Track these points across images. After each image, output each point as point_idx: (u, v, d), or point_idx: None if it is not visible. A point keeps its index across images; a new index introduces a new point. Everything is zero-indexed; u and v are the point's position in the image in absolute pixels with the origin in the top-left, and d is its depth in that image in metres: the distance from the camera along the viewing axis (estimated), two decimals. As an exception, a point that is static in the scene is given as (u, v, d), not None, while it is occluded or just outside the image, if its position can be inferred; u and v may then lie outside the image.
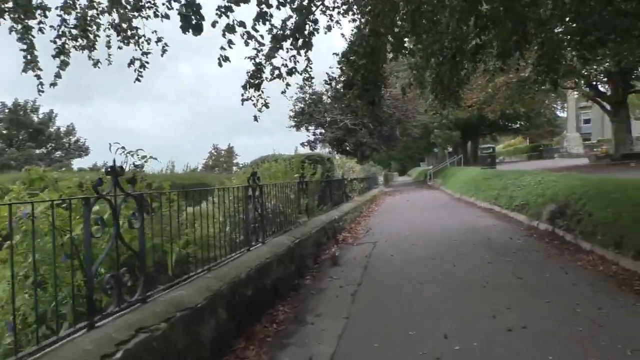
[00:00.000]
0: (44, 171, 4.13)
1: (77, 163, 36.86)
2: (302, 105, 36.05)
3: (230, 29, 6.39)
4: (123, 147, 4.66)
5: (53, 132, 37.89)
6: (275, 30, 7.38)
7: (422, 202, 21.47)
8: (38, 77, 7.56)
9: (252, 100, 8.19)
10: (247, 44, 6.98)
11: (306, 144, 38.40)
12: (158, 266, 4.17)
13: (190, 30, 5.67)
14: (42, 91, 7.61)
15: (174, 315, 3.47)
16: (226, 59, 6.70)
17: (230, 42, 6.52)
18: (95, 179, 3.33)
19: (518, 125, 47.90)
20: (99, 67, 8.15)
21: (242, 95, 7.95)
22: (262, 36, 7.08)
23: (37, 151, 35.24)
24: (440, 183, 33.40)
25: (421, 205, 19.63)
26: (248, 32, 6.80)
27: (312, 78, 8.81)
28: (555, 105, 42.29)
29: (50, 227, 3.12)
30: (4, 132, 36.16)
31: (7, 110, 36.85)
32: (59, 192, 3.88)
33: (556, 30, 8.84)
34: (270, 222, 7.39)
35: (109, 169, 3.38)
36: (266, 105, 8.23)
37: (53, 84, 7.66)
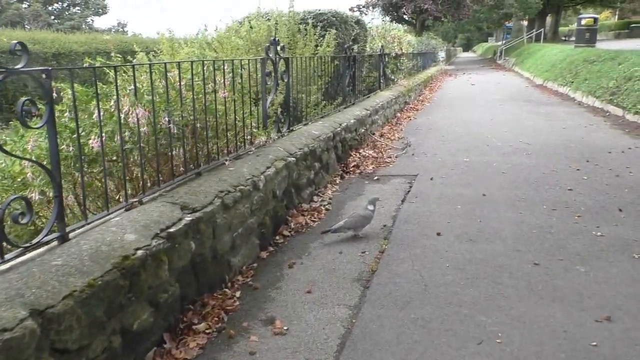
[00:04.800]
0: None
1: (95, 22, 32.04)
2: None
3: None
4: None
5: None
6: None
7: (492, 88, 15.87)
8: None
9: None
10: None
11: (355, 8, 31.81)
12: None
13: None
14: None
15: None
16: None
17: None
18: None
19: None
20: None
21: None
22: None
23: (51, 7, 30.44)
24: (513, 63, 26.86)
25: (491, 93, 14.15)
26: None
27: None
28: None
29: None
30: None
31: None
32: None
33: None
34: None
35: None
36: None
37: None
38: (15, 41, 2.03)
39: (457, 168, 5.75)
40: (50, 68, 2.18)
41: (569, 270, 3.11)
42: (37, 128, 2.20)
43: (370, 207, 3.92)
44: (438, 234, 3.77)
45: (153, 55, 5.18)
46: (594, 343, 2.37)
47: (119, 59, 3.92)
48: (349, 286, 3.03)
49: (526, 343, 2.38)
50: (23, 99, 2.07)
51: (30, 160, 2.28)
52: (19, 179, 2.81)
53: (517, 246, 3.50)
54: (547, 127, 8.26)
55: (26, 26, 27.55)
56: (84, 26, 31.51)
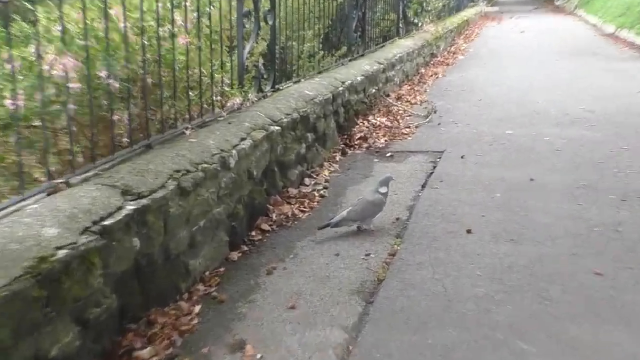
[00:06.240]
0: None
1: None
2: None
3: None
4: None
5: None
6: None
7: (546, 37, 15.81)
8: None
9: None
10: None
11: None
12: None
13: None
14: None
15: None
16: None
17: None
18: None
19: None
20: None
21: None
22: None
23: None
24: (576, 5, 26.62)
25: (545, 44, 14.10)
26: None
27: None
28: None
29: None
30: None
31: None
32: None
33: None
34: None
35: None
36: None
37: None
38: None
39: (496, 143, 5.72)
40: None
41: (642, 282, 3.05)
42: None
43: (382, 190, 3.84)
44: (468, 232, 3.71)
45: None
46: (672, 382, 2.31)
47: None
48: (346, 300, 2.97)
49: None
50: None
51: None
52: None
53: (574, 249, 3.44)
54: (617, 89, 8.26)
55: None
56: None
